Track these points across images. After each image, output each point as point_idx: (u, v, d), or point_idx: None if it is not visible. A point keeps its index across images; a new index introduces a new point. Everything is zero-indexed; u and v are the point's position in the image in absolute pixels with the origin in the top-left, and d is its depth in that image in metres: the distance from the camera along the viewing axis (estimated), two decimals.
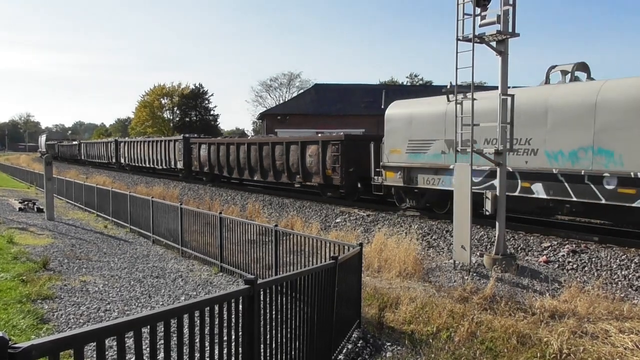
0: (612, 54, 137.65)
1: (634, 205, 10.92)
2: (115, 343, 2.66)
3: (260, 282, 3.93)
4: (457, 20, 10.14)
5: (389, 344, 7.01)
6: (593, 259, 10.88)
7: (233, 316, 3.62)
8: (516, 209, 13.51)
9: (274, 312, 4.27)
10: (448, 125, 14.31)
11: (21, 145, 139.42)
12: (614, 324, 7.10)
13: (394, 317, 7.81)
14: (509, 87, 10.45)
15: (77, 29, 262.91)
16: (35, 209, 19.94)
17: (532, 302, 8.08)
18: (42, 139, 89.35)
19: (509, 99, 10.25)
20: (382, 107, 37.87)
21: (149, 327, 2.75)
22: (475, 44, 9.93)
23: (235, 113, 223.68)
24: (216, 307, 3.42)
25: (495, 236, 10.82)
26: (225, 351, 3.55)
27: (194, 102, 77.14)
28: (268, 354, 4.19)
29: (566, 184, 12.10)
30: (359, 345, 6.74)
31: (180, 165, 33.56)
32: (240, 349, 3.75)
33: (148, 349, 2.76)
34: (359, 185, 19.99)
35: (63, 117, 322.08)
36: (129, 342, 2.71)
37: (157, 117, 76.86)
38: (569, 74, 13.06)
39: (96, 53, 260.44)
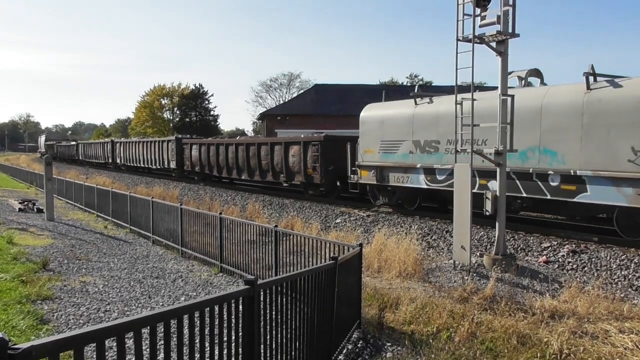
0: (612, 53, 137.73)
1: (574, 200, 11.98)
2: (115, 344, 2.66)
3: (260, 282, 3.93)
4: (457, 21, 10.15)
5: (389, 344, 7.01)
6: (593, 259, 10.88)
7: (233, 317, 3.62)
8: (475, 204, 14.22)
9: (274, 313, 4.27)
10: (415, 127, 15.88)
11: (21, 145, 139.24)
12: (614, 324, 7.10)
13: (394, 317, 7.81)
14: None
15: (77, 29, 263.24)
16: (35, 210, 19.95)
17: (532, 302, 8.08)
18: (42, 139, 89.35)
19: (509, 99, 10.27)
20: None
21: (149, 327, 2.75)
22: (475, 45, 9.94)
23: (235, 113, 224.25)
24: (216, 308, 3.42)
25: (495, 236, 10.83)
26: (225, 352, 3.55)
27: (194, 102, 77.20)
28: (268, 355, 4.19)
29: (517, 182, 13.06)
30: (359, 345, 6.74)
31: (173, 165, 34.22)
32: (240, 349, 3.75)
33: (148, 349, 2.76)
34: (338, 183, 20.64)
35: (63, 117, 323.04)
36: (129, 342, 2.71)
37: (157, 117, 76.92)
38: (524, 80, 13.83)
39: (96, 53, 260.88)
